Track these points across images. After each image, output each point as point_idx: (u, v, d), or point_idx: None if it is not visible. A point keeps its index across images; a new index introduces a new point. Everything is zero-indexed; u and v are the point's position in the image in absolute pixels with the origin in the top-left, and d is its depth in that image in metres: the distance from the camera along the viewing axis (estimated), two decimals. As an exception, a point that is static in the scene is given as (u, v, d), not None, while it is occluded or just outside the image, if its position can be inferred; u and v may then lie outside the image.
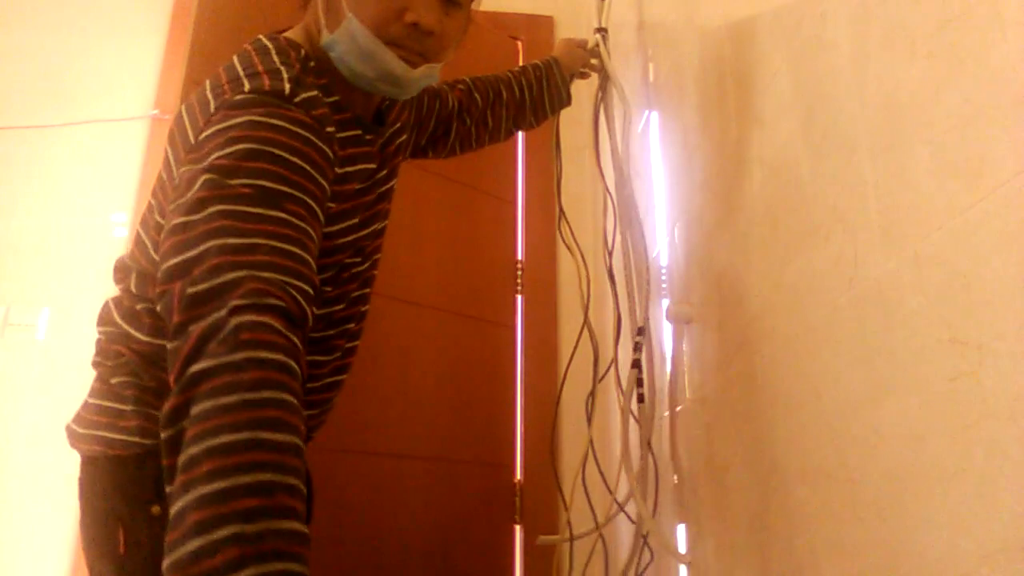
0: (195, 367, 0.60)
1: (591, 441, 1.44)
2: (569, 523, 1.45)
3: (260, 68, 0.82)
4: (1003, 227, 0.51)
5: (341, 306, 0.98)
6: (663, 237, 1.47)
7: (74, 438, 0.92)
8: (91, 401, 0.92)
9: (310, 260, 0.71)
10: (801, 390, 0.83)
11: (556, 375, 2.11)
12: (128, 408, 0.86)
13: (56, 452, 1.99)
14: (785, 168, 0.88)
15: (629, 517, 1.39)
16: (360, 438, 1.81)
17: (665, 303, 1.40)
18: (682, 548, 1.28)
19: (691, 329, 1.28)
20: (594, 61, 1.48)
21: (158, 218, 0.86)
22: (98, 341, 0.94)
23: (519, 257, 2.27)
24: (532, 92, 1.36)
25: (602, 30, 1.51)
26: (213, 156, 0.72)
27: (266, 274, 0.66)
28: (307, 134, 0.77)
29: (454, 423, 1.96)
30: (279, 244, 0.68)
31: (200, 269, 0.65)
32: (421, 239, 2.03)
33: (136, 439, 0.86)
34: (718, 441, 1.12)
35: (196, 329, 0.62)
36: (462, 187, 2.17)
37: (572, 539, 1.47)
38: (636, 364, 1.30)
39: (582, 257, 1.49)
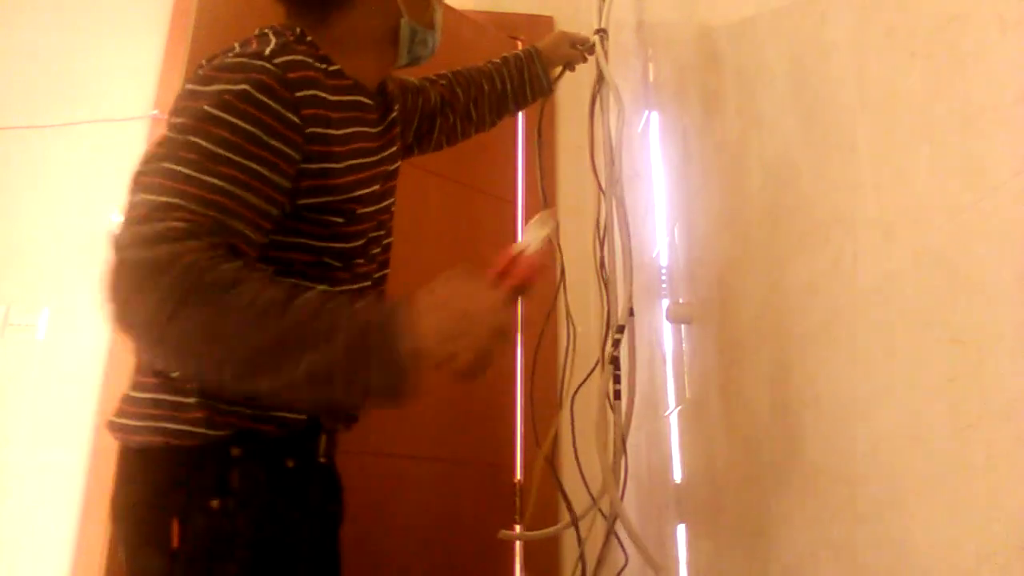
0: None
1: (559, 435, 1.43)
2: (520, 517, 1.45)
3: (253, 38, 0.89)
4: (1003, 227, 0.51)
5: (368, 283, 1.01)
6: (663, 237, 1.47)
7: (124, 431, 0.90)
8: (142, 395, 0.90)
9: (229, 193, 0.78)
10: (801, 390, 0.83)
11: (556, 375, 2.11)
12: (191, 400, 0.86)
13: (56, 452, 1.99)
14: (785, 168, 0.88)
15: (602, 513, 1.38)
16: (360, 438, 1.80)
17: (665, 303, 1.40)
18: (682, 549, 1.28)
19: (691, 329, 1.28)
20: (589, 56, 1.49)
21: None
22: None
23: (519, 257, 2.27)
24: (512, 83, 1.38)
25: (601, 31, 1.51)
26: (180, 109, 0.81)
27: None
28: (267, 100, 0.82)
29: (454, 423, 1.96)
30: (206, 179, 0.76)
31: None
32: (421, 239, 2.03)
33: (201, 430, 0.85)
34: (718, 441, 1.12)
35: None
36: (462, 187, 2.17)
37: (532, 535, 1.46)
38: (614, 361, 1.31)
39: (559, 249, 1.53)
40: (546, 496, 2.04)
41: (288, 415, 0.89)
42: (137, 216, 0.74)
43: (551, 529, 1.45)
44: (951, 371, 0.56)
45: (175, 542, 0.83)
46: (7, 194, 2.16)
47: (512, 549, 2.02)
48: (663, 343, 1.39)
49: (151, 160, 0.80)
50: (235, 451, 0.85)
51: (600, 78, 1.49)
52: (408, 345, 0.70)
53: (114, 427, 0.91)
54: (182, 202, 0.74)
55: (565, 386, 1.51)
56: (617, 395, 1.30)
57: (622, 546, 1.34)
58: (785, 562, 0.85)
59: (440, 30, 1.07)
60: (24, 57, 2.27)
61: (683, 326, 1.31)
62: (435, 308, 0.73)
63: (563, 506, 1.91)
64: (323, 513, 0.95)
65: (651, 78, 1.61)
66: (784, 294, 0.87)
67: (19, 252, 2.12)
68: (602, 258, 1.45)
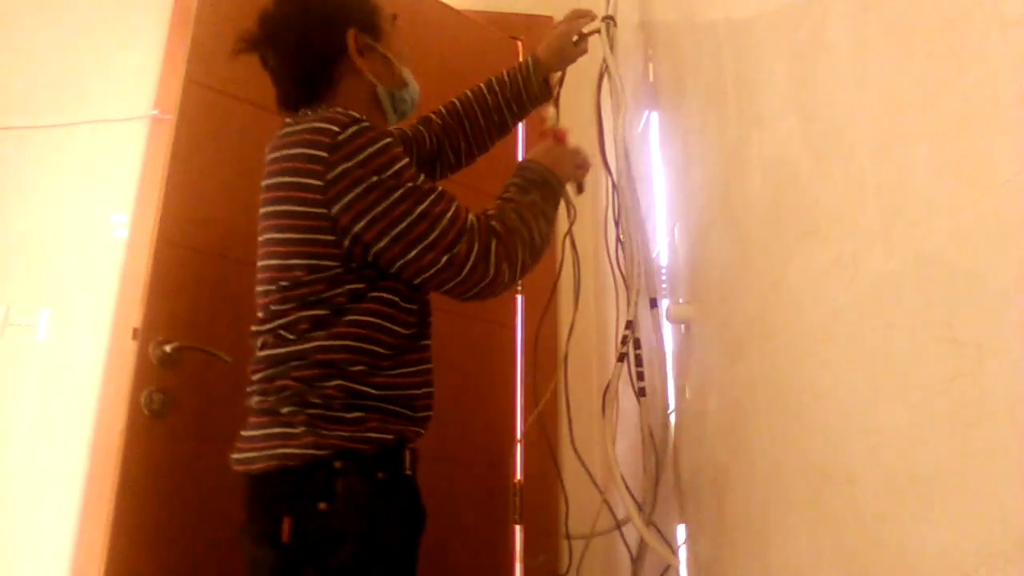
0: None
1: (559, 432, 1.43)
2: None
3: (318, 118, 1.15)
4: (1003, 227, 0.51)
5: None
6: (663, 237, 1.47)
7: (246, 463, 1.11)
8: (257, 433, 1.11)
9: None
10: (801, 390, 0.83)
11: (556, 375, 2.11)
12: (299, 430, 1.06)
13: (56, 452, 1.99)
14: (785, 168, 0.88)
15: (614, 515, 1.38)
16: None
17: (665, 303, 1.40)
18: (682, 548, 1.28)
19: (691, 329, 1.28)
20: (589, 29, 1.51)
21: (279, 235, 1.13)
22: (258, 383, 1.14)
23: (519, 257, 2.27)
24: (511, 109, 1.52)
25: (608, 18, 1.50)
26: (366, 162, 1.07)
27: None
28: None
29: (454, 423, 1.95)
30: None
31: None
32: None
33: (311, 451, 1.05)
34: (718, 441, 1.12)
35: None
36: (462, 187, 2.16)
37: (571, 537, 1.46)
38: (623, 358, 1.31)
39: (572, 245, 1.59)
40: (546, 494, 2.04)
41: (378, 436, 1.09)
42: (448, 236, 1.09)
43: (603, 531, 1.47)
44: (951, 371, 0.56)
45: (285, 537, 1.02)
46: (7, 194, 2.16)
47: (512, 549, 2.02)
48: (663, 343, 1.39)
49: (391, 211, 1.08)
50: (337, 464, 1.05)
51: (605, 70, 1.49)
52: (557, 173, 1.30)
53: (238, 462, 1.12)
54: (452, 211, 1.11)
55: (585, 390, 1.50)
56: (643, 392, 1.31)
57: (627, 546, 1.35)
58: (785, 562, 0.85)
59: (413, 83, 1.30)
60: (24, 57, 2.27)
61: (683, 326, 1.31)
62: (545, 156, 1.30)
63: (563, 504, 1.92)
64: (408, 517, 1.14)
65: (651, 78, 1.61)
66: (784, 294, 0.87)
67: (19, 252, 2.12)
68: (617, 252, 1.46)
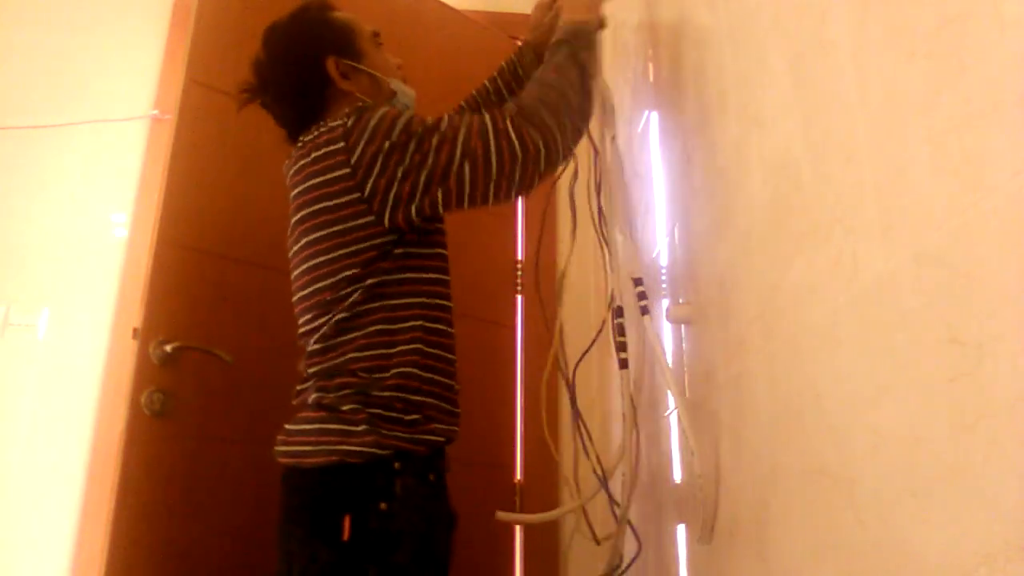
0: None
1: (560, 411, 1.43)
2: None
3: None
4: (1003, 227, 0.51)
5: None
6: (663, 237, 1.47)
7: (296, 456, 1.13)
8: (311, 427, 1.13)
9: None
10: (801, 390, 0.83)
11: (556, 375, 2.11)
12: (360, 428, 1.09)
13: (56, 452, 1.99)
14: (785, 168, 0.88)
15: (611, 497, 1.38)
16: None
17: (665, 303, 1.40)
18: (682, 549, 1.28)
19: (691, 329, 1.28)
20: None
21: (320, 233, 1.18)
22: (312, 379, 1.18)
23: (519, 257, 2.27)
24: (511, 89, 1.57)
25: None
26: (375, 134, 1.14)
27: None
28: None
29: (454, 423, 1.96)
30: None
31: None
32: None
33: (372, 450, 1.08)
34: (718, 441, 1.12)
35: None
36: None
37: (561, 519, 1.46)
38: (621, 329, 1.31)
39: (605, 243, 1.52)
40: (546, 487, 2.04)
41: (432, 438, 1.13)
42: (454, 142, 1.14)
43: (552, 513, 1.46)
44: (951, 371, 0.56)
45: (345, 535, 1.04)
46: (7, 194, 2.16)
47: (512, 549, 2.02)
48: (663, 343, 1.39)
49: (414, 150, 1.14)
50: (397, 465, 1.08)
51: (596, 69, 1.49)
52: (574, 22, 1.31)
53: (285, 454, 1.15)
54: (463, 126, 1.15)
55: (585, 390, 1.50)
56: (624, 363, 1.31)
57: (636, 534, 1.35)
58: (785, 562, 0.85)
59: (404, 90, 1.36)
60: (24, 57, 2.27)
61: (683, 326, 1.31)
62: (569, 8, 1.34)
63: (565, 498, 1.91)
64: (449, 518, 1.17)
65: (651, 78, 1.61)
66: (784, 294, 0.87)
67: (19, 252, 2.12)
68: (601, 225, 1.45)
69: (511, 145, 1.12)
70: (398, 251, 1.17)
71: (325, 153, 1.17)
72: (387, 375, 1.12)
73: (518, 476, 2.09)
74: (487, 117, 1.15)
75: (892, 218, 0.65)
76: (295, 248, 1.24)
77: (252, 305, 1.71)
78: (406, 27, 2.14)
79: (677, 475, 1.34)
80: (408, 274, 1.17)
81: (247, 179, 1.77)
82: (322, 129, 1.20)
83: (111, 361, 2.06)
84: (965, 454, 0.54)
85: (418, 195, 1.13)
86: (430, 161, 1.12)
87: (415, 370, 1.14)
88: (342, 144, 1.15)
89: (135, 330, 1.57)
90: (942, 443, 0.57)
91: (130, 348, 1.59)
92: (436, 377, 1.17)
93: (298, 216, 1.22)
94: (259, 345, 1.69)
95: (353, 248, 1.15)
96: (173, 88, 2.06)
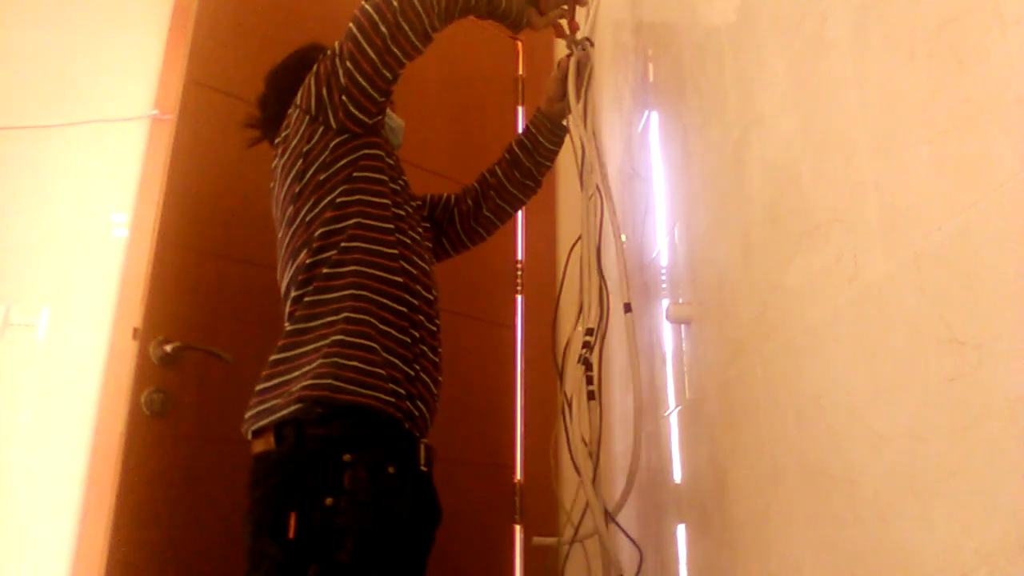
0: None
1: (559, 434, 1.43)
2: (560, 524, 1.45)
3: None
4: (1003, 227, 0.51)
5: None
6: (663, 237, 1.46)
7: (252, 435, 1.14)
8: (260, 408, 1.15)
9: None
10: (801, 390, 0.83)
11: (556, 375, 2.11)
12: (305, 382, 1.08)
13: (56, 452, 1.99)
14: (785, 168, 0.88)
15: (610, 515, 1.38)
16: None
17: (665, 303, 1.40)
18: (682, 548, 1.28)
19: (691, 329, 1.27)
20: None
21: (299, 184, 1.24)
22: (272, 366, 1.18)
23: (519, 257, 2.27)
24: (526, 153, 1.57)
25: (586, 39, 1.51)
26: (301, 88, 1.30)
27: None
28: None
29: (454, 423, 1.95)
30: None
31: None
32: (421, 239, 2.03)
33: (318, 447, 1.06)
34: (718, 441, 1.12)
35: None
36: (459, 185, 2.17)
37: (573, 541, 1.46)
38: (585, 362, 1.31)
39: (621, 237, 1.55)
40: (547, 494, 2.04)
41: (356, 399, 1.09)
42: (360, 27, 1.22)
43: (588, 534, 1.47)
44: (951, 371, 0.56)
45: (291, 533, 1.01)
46: (7, 194, 2.16)
47: (512, 549, 2.02)
48: (663, 343, 1.39)
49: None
50: (347, 458, 1.04)
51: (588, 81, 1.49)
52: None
53: (247, 433, 1.14)
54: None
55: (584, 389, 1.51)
56: (592, 395, 1.32)
57: (637, 546, 1.35)
58: (785, 562, 0.85)
59: (391, 117, 1.39)
60: (24, 57, 2.27)
61: (683, 326, 1.31)
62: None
63: (564, 505, 1.92)
64: (418, 513, 1.13)
65: (651, 78, 1.61)
66: (784, 294, 0.87)
67: (19, 252, 2.12)
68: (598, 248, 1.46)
69: (367, 13, 1.20)
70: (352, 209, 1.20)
71: (285, 125, 1.30)
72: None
73: (518, 476, 2.09)
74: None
75: (892, 218, 0.65)
76: (284, 216, 1.28)
77: (252, 305, 1.71)
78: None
79: (677, 475, 1.34)
80: (356, 243, 1.19)
81: (247, 179, 1.77)
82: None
83: (111, 361, 2.06)
84: (965, 454, 0.54)
85: (340, 79, 1.21)
86: (329, 60, 1.24)
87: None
88: (297, 112, 1.28)
89: (135, 330, 1.57)
90: (942, 443, 0.57)
91: (130, 348, 1.59)
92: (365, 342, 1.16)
93: (278, 184, 1.29)
94: (259, 345, 1.69)
95: (314, 177, 1.21)
96: (173, 88, 2.06)
